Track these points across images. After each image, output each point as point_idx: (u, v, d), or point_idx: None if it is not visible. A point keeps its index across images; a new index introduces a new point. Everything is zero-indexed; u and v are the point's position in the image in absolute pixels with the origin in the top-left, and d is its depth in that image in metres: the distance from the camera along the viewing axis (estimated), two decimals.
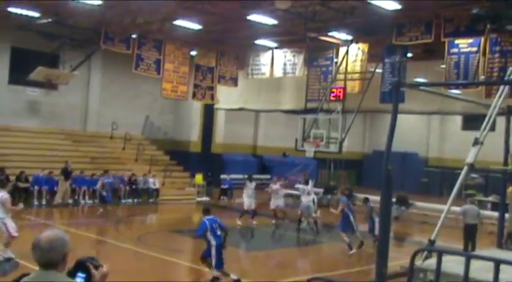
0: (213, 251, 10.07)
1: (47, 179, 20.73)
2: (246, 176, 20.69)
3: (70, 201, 20.67)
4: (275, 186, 19.49)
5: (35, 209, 19.62)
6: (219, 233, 10.17)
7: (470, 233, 13.71)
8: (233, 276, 10.33)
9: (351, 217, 14.52)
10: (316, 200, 18.88)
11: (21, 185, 19.96)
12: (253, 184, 19.41)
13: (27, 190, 20.22)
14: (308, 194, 18.26)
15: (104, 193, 19.43)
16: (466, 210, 13.86)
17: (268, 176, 32.54)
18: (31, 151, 22.54)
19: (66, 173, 20.55)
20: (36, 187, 20.33)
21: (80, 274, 3.15)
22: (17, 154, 22.01)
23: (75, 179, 21.21)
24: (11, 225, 11.09)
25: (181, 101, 24.76)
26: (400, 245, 16.37)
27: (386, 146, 6.58)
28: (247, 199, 18.93)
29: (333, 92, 19.32)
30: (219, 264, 10.15)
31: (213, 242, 10.08)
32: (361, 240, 14.53)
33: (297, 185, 19.42)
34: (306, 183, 18.70)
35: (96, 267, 3.21)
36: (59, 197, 20.40)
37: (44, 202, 20.40)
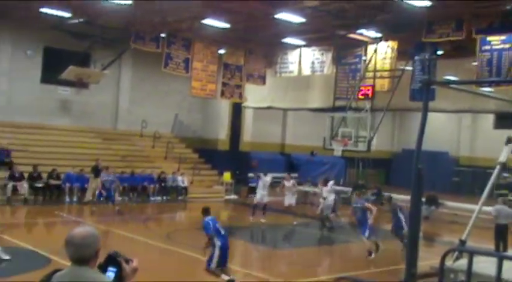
0: (217, 252, 9.85)
1: (78, 177, 21.09)
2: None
3: (101, 198, 20.95)
4: (287, 183, 19.28)
5: (66, 206, 20.00)
6: (223, 232, 10.00)
7: (501, 233, 13.47)
8: (225, 277, 10.00)
9: (369, 221, 13.81)
10: (336, 198, 18.66)
11: (53, 182, 20.36)
12: (269, 178, 19.27)
13: (59, 187, 20.60)
14: (329, 193, 18.06)
15: (104, 191, 19.12)
16: (497, 210, 13.63)
17: (295, 175, 32.49)
18: (63, 149, 22.97)
19: (97, 171, 20.85)
20: (67, 184, 20.68)
21: (110, 268, 3.20)
22: (49, 152, 22.45)
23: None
24: None
25: (209, 99, 24.89)
26: (430, 245, 16.15)
27: (417, 145, 6.49)
28: (259, 191, 18.89)
29: (362, 90, 19.18)
30: (223, 263, 9.96)
31: (218, 242, 9.87)
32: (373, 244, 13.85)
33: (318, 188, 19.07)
34: (325, 183, 18.39)
35: (127, 262, 3.25)
36: (89, 194, 20.73)
37: (75, 199, 20.76)
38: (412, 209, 6.52)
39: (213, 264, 9.93)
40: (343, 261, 14.49)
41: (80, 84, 23.05)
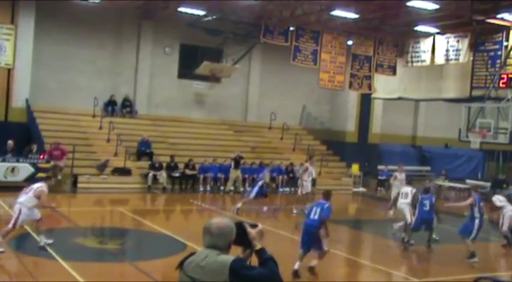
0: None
1: (211, 167, 22.06)
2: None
3: (242, 189, 21.81)
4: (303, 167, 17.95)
5: (200, 195, 21.02)
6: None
7: None
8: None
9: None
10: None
11: (189, 172, 21.48)
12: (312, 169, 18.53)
13: (194, 177, 21.70)
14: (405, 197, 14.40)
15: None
16: None
17: (428, 168, 31.25)
18: (197, 140, 24.16)
19: (236, 162, 21.68)
20: (202, 175, 21.67)
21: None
22: (185, 143, 23.77)
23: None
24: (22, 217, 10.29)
25: (337, 91, 24.72)
26: None
27: None
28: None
29: (503, 78, 17.91)
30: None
31: None
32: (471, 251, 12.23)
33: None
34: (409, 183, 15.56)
35: (253, 226, 3.48)
36: (230, 184, 21.60)
37: (208, 188, 21.73)
38: None
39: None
40: (482, 261, 13.67)
41: (213, 78, 24.17)
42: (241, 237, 3.42)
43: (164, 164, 21.15)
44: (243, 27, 22.18)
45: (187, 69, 25.03)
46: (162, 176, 20.77)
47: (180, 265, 3.39)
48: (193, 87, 26.15)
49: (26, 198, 10.40)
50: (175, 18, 22.40)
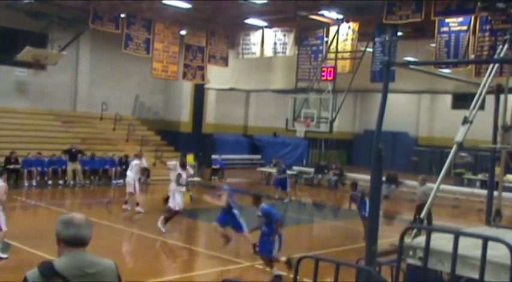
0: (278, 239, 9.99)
1: (37, 160, 20.66)
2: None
3: (76, 181, 21.14)
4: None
5: (25, 190, 19.56)
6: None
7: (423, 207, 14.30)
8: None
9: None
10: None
11: (12, 166, 19.84)
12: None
13: (17, 171, 20.11)
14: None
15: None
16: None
17: (259, 156, 32.71)
18: (20, 132, 22.41)
19: (72, 154, 20.67)
20: (26, 169, 20.22)
21: None
22: (6, 135, 21.86)
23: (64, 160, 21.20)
24: (2, 219, 9.94)
25: (171, 81, 24.62)
26: (389, 223, 16.54)
27: (377, 126, 6.57)
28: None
29: (324, 72, 19.27)
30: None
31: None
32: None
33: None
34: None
35: None
36: (69, 178, 20.89)
37: (34, 183, 20.35)
38: (372, 188, 6.63)
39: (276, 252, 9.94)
40: (304, 241, 14.68)
41: (37, 65, 22.44)
42: None
43: None
44: (69, 12, 20.88)
45: (6, 54, 22.91)
46: None
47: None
48: (14, 74, 24.11)
49: None
50: None
